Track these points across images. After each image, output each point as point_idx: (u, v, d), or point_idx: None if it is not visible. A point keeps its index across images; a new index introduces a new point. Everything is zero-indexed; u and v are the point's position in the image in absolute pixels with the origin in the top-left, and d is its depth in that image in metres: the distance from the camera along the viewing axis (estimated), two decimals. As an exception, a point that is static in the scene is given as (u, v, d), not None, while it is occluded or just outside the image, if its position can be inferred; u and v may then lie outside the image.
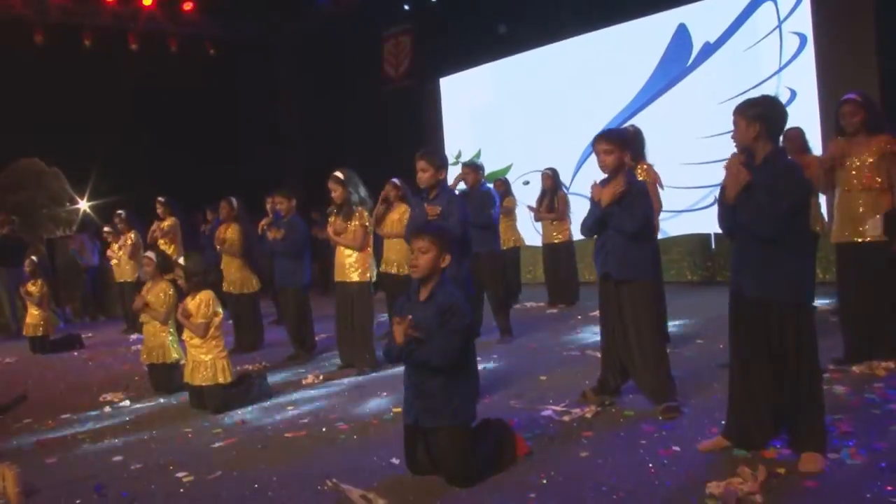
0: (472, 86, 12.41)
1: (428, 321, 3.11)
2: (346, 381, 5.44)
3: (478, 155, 12.17)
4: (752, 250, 3.04)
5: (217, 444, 4.04)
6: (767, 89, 8.38)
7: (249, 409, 4.82)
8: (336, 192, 5.63)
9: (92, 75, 11.93)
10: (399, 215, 7.18)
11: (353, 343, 5.70)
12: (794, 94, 8.10)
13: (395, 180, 7.34)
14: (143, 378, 6.12)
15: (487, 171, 11.85)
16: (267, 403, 4.94)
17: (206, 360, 4.85)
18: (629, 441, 3.51)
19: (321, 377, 5.58)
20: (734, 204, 3.03)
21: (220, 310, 5.01)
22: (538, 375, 4.99)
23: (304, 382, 5.49)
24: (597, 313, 7.21)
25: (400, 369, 5.67)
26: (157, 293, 5.58)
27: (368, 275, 5.69)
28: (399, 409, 4.39)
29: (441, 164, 4.54)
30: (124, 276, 8.63)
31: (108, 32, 12.48)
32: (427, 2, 12.78)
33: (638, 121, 9.58)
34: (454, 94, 12.83)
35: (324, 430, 4.15)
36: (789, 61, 8.26)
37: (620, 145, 3.99)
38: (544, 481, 3.08)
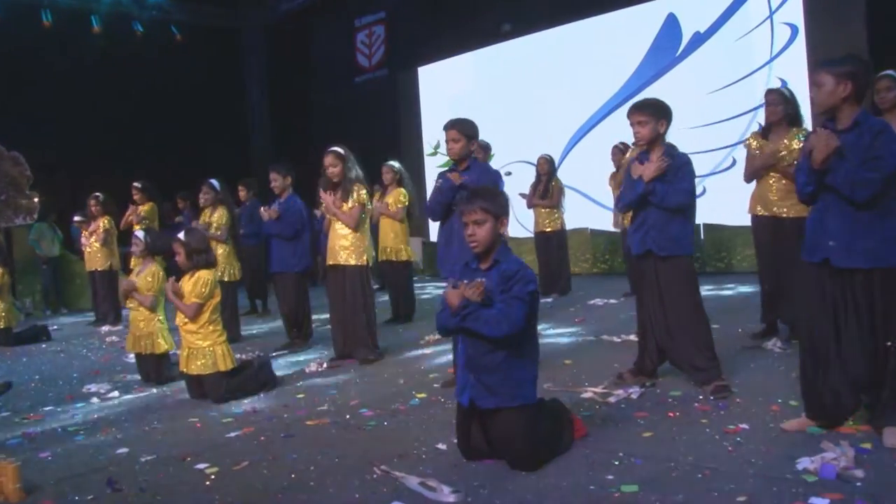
0: (451, 75, 12.18)
1: (490, 289, 2.86)
2: (352, 369, 5.14)
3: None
4: (845, 216, 2.86)
5: (233, 434, 3.70)
6: (758, 80, 8.39)
7: (254, 397, 4.48)
8: (336, 168, 5.28)
9: (52, 57, 11.29)
10: (393, 198, 6.94)
11: (352, 332, 5.37)
12: (784, 84, 8.07)
13: (393, 163, 7.09)
14: (126, 369, 5.72)
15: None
16: (273, 392, 4.61)
17: (203, 347, 4.49)
18: (688, 420, 3.33)
19: (325, 365, 5.26)
20: (824, 169, 2.85)
21: (219, 291, 4.65)
22: (562, 360, 4.78)
23: (307, 370, 5.17)
24: (595, 301, 7.27)
25: (406, 356, 5.53)
26: (146, 276, 5.18)
27: (365, 257, 5.38)
28: (423, 395, 4.17)
29: (472, 134, 4.27)
30: (95, 264, 8.08)
31: (68, 13, 11.83)
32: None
33: (625, 112, 9.52)
34: (433, 84, 12.57)
35: (347, 416, 3.86)
36: (780, 52, 8.26)
37: (655, 115, 3.80)
38: (616, 462, 2.86)
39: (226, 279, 6.58)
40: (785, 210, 4.73)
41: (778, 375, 3.97)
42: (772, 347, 4.58)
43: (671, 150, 3.79)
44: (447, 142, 4.27)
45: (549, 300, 7.84)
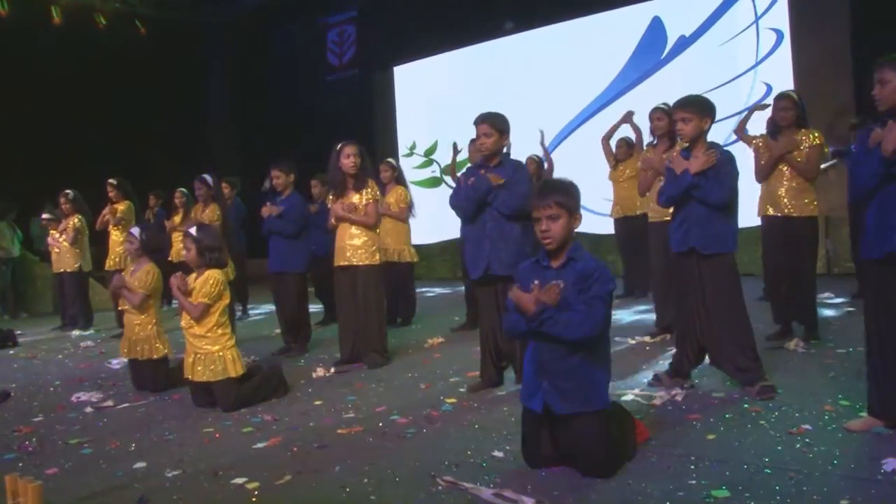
0: (426, 75, 12.00)
1: (566, 289, 2.70)
2: (363, 374, 4.92)
3: (434, 147, 11.82)
4: None
5: (260, 445, 3.45)
6: (743, 84, 8.47)
7: (266, 405, 4.23)
8: (358, 160, 5.02)
9: (9, 48, 10.71)
10: (395, 198, 6.73)
11: (363, 335, 5.15)
12: (769, 89, 8.18)
13: (391, 160, 6.89)
14: (113, 377, 5.38)
15: (443, 163, 11.67)
16: (284, 399, 4.36)
17: (212, 352, 4.21)
18: (745, 421, 3.24)
19: (332, 370, 5.03)
20: (894, 160, 2.79)
21: (228, 293, 4.38)
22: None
23: (314, 376, 4.92)
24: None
25: (415, 359, 5.33)
26: (141, 275, 4.86)
27: (377, 257, 5.18)
28: (452, 400, 4.00)
29: (505, 129, 4.11)
30: (63, 265, 7.61)
31: (27, 2, 11.22)
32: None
33: (608, 113, 9.52)
34: (407, 84, 12.37)
35: (380, 424, 3.65)
36: (766, 56, 8.36)
37: (699, 112, 3.73)
38: (692, 467, 2.74)
39: (219, 279, 6.28)
40: (796, 210, 4.74)
41: (814, 376, 3.94)
42: (795, 348, 4.55)
43: (715, 147, 3.71)
44: (478, 136, 4.11)
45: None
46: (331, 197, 5.24)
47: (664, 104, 5.23)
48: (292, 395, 4.43)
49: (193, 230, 4.33)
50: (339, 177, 5.10)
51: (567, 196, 2.80)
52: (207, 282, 4.20)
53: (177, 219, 7.68)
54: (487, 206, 4.04)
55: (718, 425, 3.21)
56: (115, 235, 7.17)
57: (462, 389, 4.24)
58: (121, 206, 7.23)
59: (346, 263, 5.13)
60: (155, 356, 4.85)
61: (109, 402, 4.55)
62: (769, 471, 2.65)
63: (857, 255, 6.29)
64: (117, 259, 7.12)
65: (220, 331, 4.24)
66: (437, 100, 11.78)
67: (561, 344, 2.69)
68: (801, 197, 4.73)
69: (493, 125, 4.05)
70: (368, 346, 5.15)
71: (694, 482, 2.60)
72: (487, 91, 11.05)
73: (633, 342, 5.22)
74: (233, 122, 14.46)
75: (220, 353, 4.20)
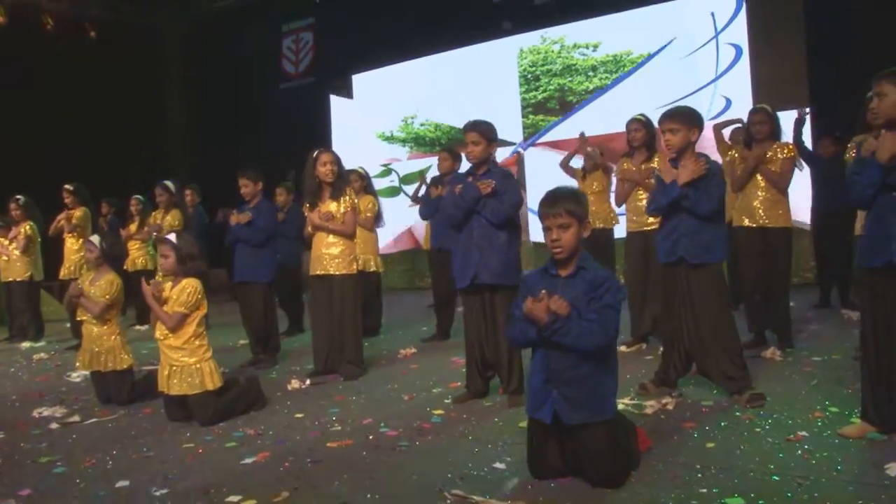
0: (383, 85, 11.92)
1: (577, 298, 2.68)
2: (340, 385, 4.80)
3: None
4: None
5: (249, 461, 3.31)
6: (703, 97, 8.67)
7: (244, 418, 4.08)
8: (333, 167, 4.94)
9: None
10: (363, 206, 6.62)
11: (339, 346, 5.04)
12: (729, 102, 8.42)
13: (360, 169, 6.80)
14: (75, 390, 5.13)
15: (402, 172, 11.61)
16: (262, 412, 4.22)
17: (189, 364, 4.04)
18: (740, 430, 3.26)
19: (308, 381, 4.89)
20: (891, 167, 2.85)
21: (206, 303, 4.22)
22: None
23: (290, 388, 4.78)
24: None
25: (390, 370, 5.22)
26: (102, 284, 4.66)
27: (355, 266, 5.08)
28: (440, 412, 3.93)
29: (493, 137, 4.09)
30: (12, 274, 7.23)
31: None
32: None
33: (568, 126, 9.64)
34: (364, 94, 12.26)
35: (370, 437, 3.55)
36: (725, 71, 8.58)
37: (687, 123, 3.77)
38: (699, 475, 2.74)
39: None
40: (771, 220, 4.85)
41: (797, 383, 4.00)
42: (772, 357, 4.63)
43: (702, 158, 3.76)
44: (466, 144, 4.07)
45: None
46: (306, 205, 5.13)
47: (641, 115, 5.30)
48: (270, 408, 4.29)
49: (173, 237, 4.16)
50: (314, 185, 5.00)
51: (577, 204, 2.77)
52: (185, 290, 4.04)
53: (133, 227, 7.42)
54: (475, 213, 4.00)
55: (715, 433, 3.23)
56: (71, 243, 6.88)
57: (447, 400, 4.17)
58: (77, 213, 6.93)
59: (322, 272, 5.03)
60: (120, 367, 4.64)
61: (76, 418, 4.32)
62: (776, 477, 2.67)
63: (820, 265, 6.47)
64: (72, 268, 6.83)
65: (197, 342, 4.08)
66: (395, 109, 11.72)
67: (572, 353, 2.66)
68: (775, 208, 4.84)
69: (482, 133, 4.02)
70: (344, 357, 5.04)
71: (704, 490, 2.59)
72: (443, 102, 11.10)
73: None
74: (190, 128, 14.09)
75: (198, 366, 4.04)
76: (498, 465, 3.01)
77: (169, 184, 6.15)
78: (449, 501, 2.65)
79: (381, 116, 11.91)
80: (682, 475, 2.75)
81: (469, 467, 3.01)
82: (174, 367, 4.04)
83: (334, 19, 12.49)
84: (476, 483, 2.82)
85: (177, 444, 3.66)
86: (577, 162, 6.80)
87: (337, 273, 4.99)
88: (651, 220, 5.20)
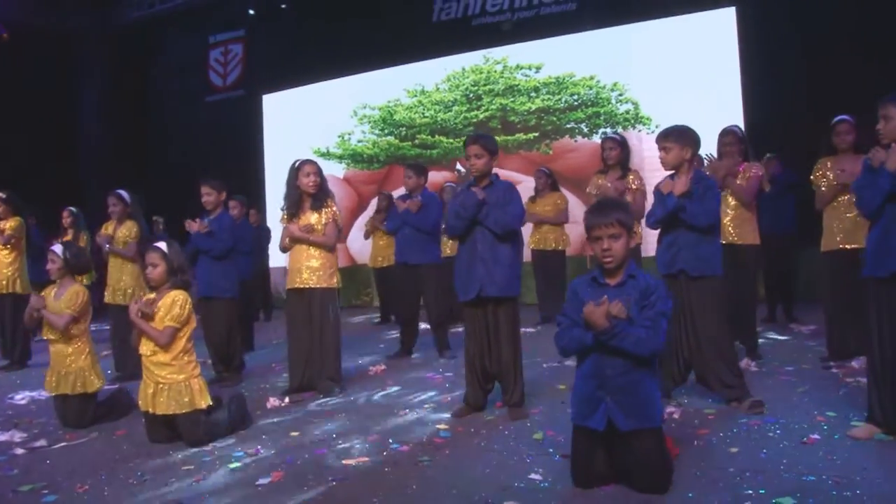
0: (314, 101, 11.75)
1: (629, 307, 2.70)
2: (321, 402, 4.64)
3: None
4: None
5: (265, 481, 3.14)
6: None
7: (232, 438, 3.88)
8: (316, 178, 4.82)
9: None
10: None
11: (319, 362, 4.87)
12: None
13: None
14: (24, 412, 4.73)
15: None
16: (250, 431, 4.02)
17: (178, 381, 3.81)
18: (753, 435, 3.37)
19: (286, 400, 4.70)
20: None
21: (195, 318, 3.99)
22: (555, 385, 4.65)
23: (269, 406, 4.58)
24: (535, 329, 7.16)
25: (367, 386, 5.07)
26: (68, 297, 4.34)
27: (335, 280, 4.96)
28: (444, 427, 3.87)
29: (495, 150, 4.09)
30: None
31: None
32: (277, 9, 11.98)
33: (506, 143, 9.82)
34: (294, 109, 12.02)
35: (384, 453, 3.45)
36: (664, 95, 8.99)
37: (679, 141, 3.91)
38: (737, 478, 2.81)
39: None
40: (740, 238, 5.06)
41: (785, 391, 4.14)
42: (747, 367, 4.81)
43: (699, 174, 3.90)
44: (469, 157, 4.06)
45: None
46: (283, 216, 4.96)
47: (616, 134, 5.45)
48: (258, 428, 4.10)
49: (164, 245, 3.92)
50: (295, 195, 4.86)
51: (626, 214, 2.82)
52: (175, 304, 3.81)
53: (66, 240, 6.94)
54: (478, 225, 3.99)
55: (733, 439, 3.32)
56: (3, 256, 6.36)
57: (446, 415, 4.10)
58: (10, 223, 6.41)
59: (302, 286, 4.86)
60: (89, 390, 4.32)
61: (42, 442, 3.98)
62: (812, 478, 2.77)
63: (767, 282, 6.79)
64: (5, 282, 6.31)
65: (186, 358, 3.85)
66: (332, 125, 11.59)
67: (625, 359, 2.68)
68: (744, 226, 5.04)
69: (485, 146, 4.03)
70: (323, 373, 4.88)
71: (751, 492, 2.66)
72: (381, 118, 11.11)
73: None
74: (108, 139, 13.37)
75: (187, 383, 3.81)
76: (534, 476, 2.98)
77: (123, 193, 5.79)
78: (502, 513, 2.60)
79: (317, 132, 11.72)
80: (720, 479, 2.81)
81: (504, 479, 2.97)
82: (161, 385, 3.79)
83: (268, 32, 12.24)
84: (520, 494, 2.78)
85: (173, 467, 3.43)
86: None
87: (318, 286, 4.84)
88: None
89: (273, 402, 4.65)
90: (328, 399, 4.71)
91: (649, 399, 2.73)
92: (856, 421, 3.38)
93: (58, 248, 4.48)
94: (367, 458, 3.37)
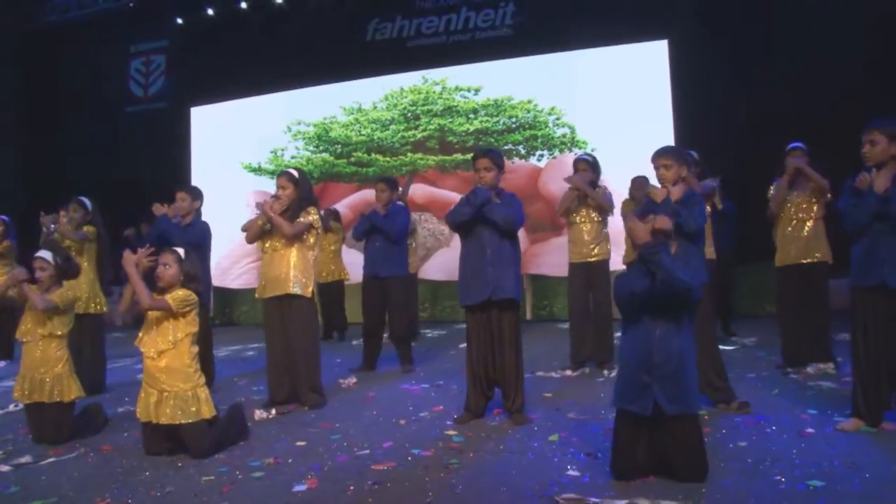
0: (244, 115, 11.55)
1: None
2: (312, 414, 4.58)
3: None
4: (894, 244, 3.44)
5: (300, 488, 3.10)
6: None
7: (240, 449, 3.79)
8: (287, 190, 4.83)
9: None
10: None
11: (304, 372, 4.80)
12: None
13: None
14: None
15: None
16: (254, 443, 3.92)
17: (184, 391, 3.68)
18: (752, 431, 3.63)
19: (273, 412, 4.61)
20: (885, 197, 3.42)
21: (199, 321, 3.88)
22: (541, 393, 4.80)
23: (257, 418, 4.47)
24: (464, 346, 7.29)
25: (347, 398, 5.02)
26: (61, 291, 4.14)
27: (310, 289, 4.93)
28: (453, 433, 3.94)
29: (502, 164, 4.26)
30: None
31: None
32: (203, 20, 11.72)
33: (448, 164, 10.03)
34: (219, 123, 11.76)
35: (409, 458, 3.47)
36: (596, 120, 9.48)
37: (678, 160, 4.08)
38: (760, 467, 3.05)
39: (91, 311, 5.51)
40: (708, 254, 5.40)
41: (760, 393, 4.44)
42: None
43: (690, 191, 4.19)
44: (478, 170, 4.20)
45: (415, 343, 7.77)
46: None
47: (588, 155, 5.74)
48: (259, 438, 4.00)
49: (181, 250, 3.80)
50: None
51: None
52: (178, 292, 3.70)
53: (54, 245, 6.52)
54: (485, 227, 4.12)
55: (736, 435, 3.56)
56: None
57: (448, 422, 4.16)
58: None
59: (280, 293, 4.80)
60: (66, 399, 4.10)
61: (27, 458, 3.73)
62: (825, 464, 3.05)
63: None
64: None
65: (193, 366, 3.74)
66: (264, 140, 11.42)
67: (667, 289, 2.88)
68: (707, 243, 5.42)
69: (493, 160, 4.19)
70: (307, 385, 4.82)
71: (780, 478, 2.90)
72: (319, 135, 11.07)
73: (558, 375, 5.49)
74: (17, 149, 12.57)
75: (193, 392, 3.69)
76: (571, 472, 3.11)
77: (85, 200, 5.54)
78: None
79: (248, 147, 11.51)
80: (745, 469, 3.04)
81: (544, 477, 3.07)
82: (166, 394, 3.66)
83: (196, 45, 11.93)
84: (571, 489, 2.89)
85: (193, 479, 3.31)
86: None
87: (291, 294, 4.77)
88: (596, 251, 5.62)
89: (260, 413, 4.55)
90: (312, 411, 4.66)
91: (692, 387, 2.95)
92: (840, 416, 3.72)
93: (46, 254, 4.23)
94: (393, 463, 3.39)
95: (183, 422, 3.64)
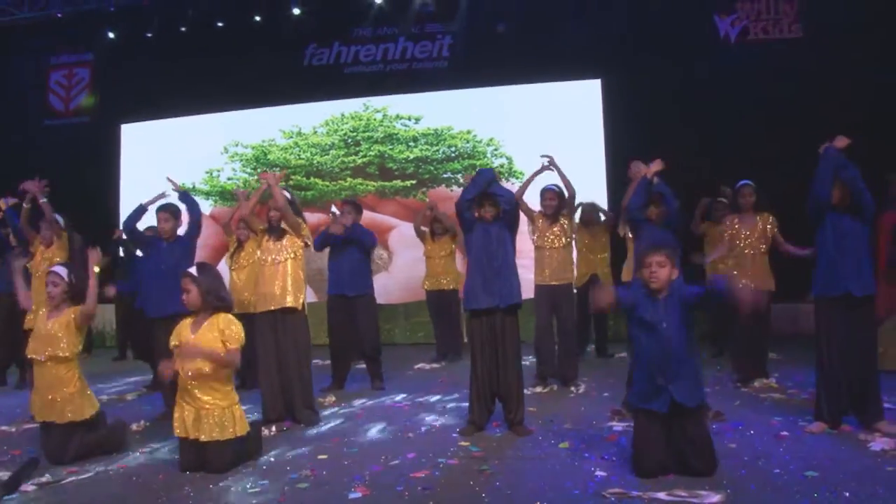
0: (169, 134, 11.39)
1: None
2: (311, 431, 4.71)
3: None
4: (861, 257, 4.02)
5: (357, 496, 3.28)
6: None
7: (265, 463, 3.92)
8: (276, 214, 5.13)
9: None
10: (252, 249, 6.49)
11: (300, 389, 4.92)
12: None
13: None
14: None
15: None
16: (271, 458, 4.04)
17: (222, 408, 3.80)
18: (734, 437, 4.08)
19: (273, 429, 4.71)
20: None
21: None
22: (526, 407, 5.12)
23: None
24: (421, 366, 7.48)
25: (339, 414, 5.16)
26: (64, 324, 4.10)
27: (302, 301, 5.08)
28: (466, 443, 4.20)
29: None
30: None
31: None
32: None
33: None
34: (143, 141, 11.54)
35: (441, 466, 3.72)
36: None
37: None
38: (757, 464, 3.51)
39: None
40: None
41: (722, 405, 4.80)
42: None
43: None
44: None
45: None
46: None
47: (555, 186, 6.20)
48: (272, 454, 4.12)
49: (194, 270, 3.89)
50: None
51: (673, 251, 3.56)
52: (230, 323, 3.82)
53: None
54: (491, 235, 4.47)
55: (721, 438, 3.99)
56: None
57: (453, 435, 4.41)
58: None
59: (276, 307, 4.93)
60: (80, 418, 4.08)
61: (48, 477, 3.69)
62: (812, 459, 3.54)
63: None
64: None
65: (231, 384, 3.85)
66: (193, 160, 11.26)
67: (680, 347, 3.39)
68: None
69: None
70: (301, 402, 4.95)
71: (779, 471, 3.37)
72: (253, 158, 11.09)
73: (529, 392, 5.79)
74: None
75: (230, 409, 3.80)
76: (600, 473, 3.46)
77: (57, 217, 5.46)
78: (611, 499, 3.05)
79: (181, 166, 11.30)
80: (744, 465, 3.49)
81: (578, 478, 3.40)
82: (204, 411, 3.75)
83: (127, 60, 11.62)
84: (610, 486, 3.24)
85: (228, 493, 3.42)
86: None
87: (285, 307, 4.92)
88: (561, 275, 6.04)
89: (263, 431, 4.64)
90: (310, 429, 4.77)
91: (699, 382, 3.45)
92: (803, 421, 4.26)
93: (61, 269, 4.19)
94: (428, 471, 3.62)
95: (220, 438, 3.74)
